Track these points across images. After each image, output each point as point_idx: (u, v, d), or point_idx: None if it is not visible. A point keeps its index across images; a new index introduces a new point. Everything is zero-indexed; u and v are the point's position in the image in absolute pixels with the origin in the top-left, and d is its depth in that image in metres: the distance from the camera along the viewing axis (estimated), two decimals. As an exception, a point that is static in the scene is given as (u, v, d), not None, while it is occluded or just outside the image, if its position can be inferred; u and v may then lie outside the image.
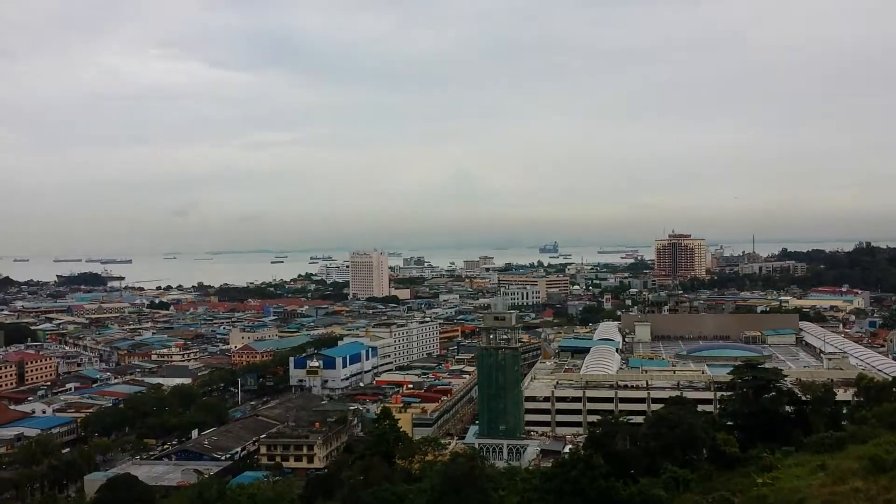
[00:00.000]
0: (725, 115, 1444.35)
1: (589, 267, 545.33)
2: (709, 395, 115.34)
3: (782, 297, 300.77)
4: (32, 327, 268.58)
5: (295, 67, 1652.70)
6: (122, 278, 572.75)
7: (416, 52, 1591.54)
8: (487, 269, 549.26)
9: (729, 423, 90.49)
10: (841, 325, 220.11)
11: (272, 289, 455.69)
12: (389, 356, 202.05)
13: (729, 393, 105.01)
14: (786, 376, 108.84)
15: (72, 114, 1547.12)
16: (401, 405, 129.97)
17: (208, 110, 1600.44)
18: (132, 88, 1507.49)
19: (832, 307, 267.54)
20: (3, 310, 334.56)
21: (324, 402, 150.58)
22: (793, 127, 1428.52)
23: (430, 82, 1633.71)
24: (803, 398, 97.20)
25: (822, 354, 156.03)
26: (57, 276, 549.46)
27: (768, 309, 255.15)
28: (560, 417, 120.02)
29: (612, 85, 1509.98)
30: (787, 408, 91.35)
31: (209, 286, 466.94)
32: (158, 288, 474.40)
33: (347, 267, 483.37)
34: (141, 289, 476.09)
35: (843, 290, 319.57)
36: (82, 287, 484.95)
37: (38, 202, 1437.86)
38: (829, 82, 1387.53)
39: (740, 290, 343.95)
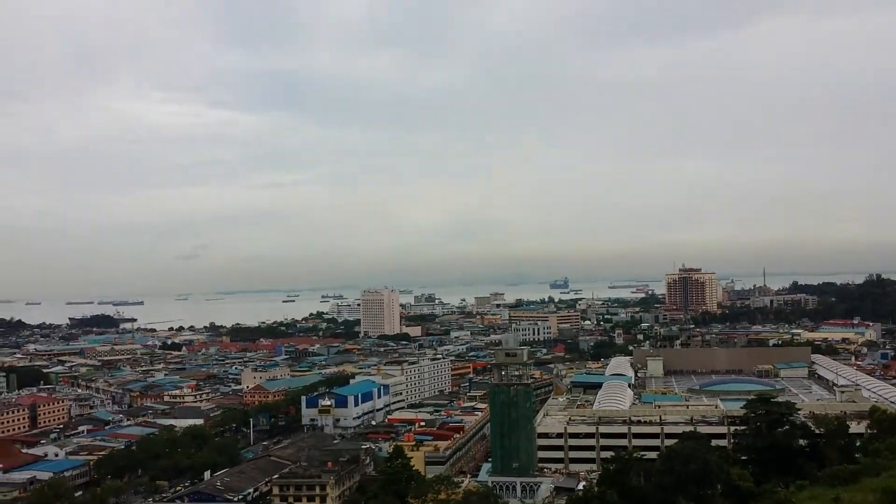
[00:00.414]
0: (736, 149, 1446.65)
1: (600, 302, 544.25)
2: (722, 429, 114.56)
3: (794, 331, 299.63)
4: (45, 370, 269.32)
5: (302, 107, 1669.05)
6: (134, 320, 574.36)
7: (423, 91, 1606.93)
8: (498, 306, 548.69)
9: (743, 457, 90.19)
10: (853, 358, 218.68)
11: (284, 328, 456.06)
12: (401, 394, 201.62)
13: (742, 427, 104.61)
14: (799, 410, 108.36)
15: (82, 157, 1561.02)
16: (413, 443, 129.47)
17: (216, 152, 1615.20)
18: (140, 131, 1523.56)
19: (844, 339, 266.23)
20: (15, 353, 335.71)
21: (336, 442, 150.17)
22: (802, 160, 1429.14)
23: (438, 120, 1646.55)
24: (817, 431, 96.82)
25: (834, 387, 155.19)
26: (69, 318, 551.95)
27: (780, 342, 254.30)
28: (573, 454, 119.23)
29: (621, 120, 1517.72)
30: (801, 441, 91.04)
31: (221, 326, 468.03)
32: (170, 329, 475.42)
33: (359, 305, 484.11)
34: (153, 330, 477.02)
35: (855, 322, 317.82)
36: (94, 329, 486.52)
37: (50, 246, 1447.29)
38: (839, 115, 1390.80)
39: (752, 324, 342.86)
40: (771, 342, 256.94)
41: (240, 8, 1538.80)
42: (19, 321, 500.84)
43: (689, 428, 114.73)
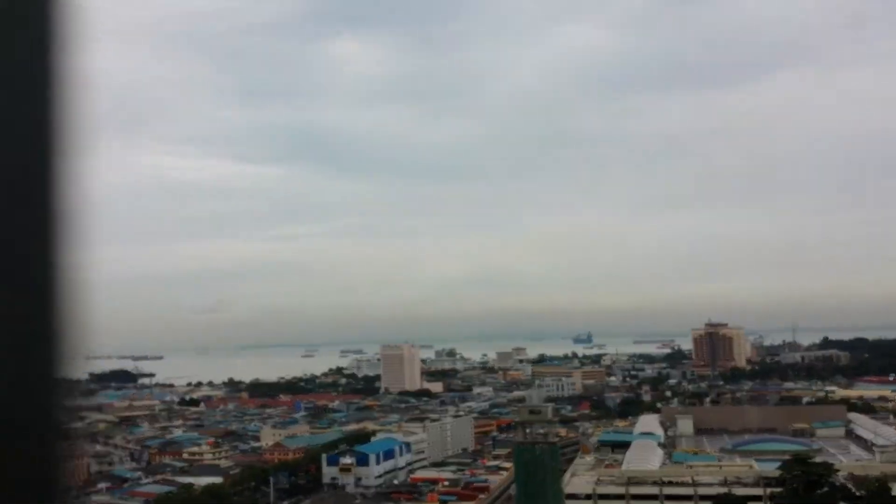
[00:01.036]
0: (763, 203, 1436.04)
1: (625, 357, 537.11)
2: (758, 491, 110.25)
3: (828, 388, 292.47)
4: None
5: (324, 160, 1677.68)
6: (152, 375, 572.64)
7: (443, 145, 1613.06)
8: (521, 361, 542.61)
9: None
10: (891, 416, 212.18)
11: (303, 384, 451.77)
12: (423, 452, 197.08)
13: (779, 489, 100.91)
14: (837, 471, 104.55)
15: (104, 211, 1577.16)
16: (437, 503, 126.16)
17: (239, 204, 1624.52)
18: (163, 185, 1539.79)
19: (880, 397, 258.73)
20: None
21: (357, 501, 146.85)
22: (831, 211, 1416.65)
23: (458, 173, 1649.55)
24: (857, 493, 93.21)
25: (873, 447, 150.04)
26: (88, 373, 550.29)
27: (814, 400, 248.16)
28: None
29: (645, 173, 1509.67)
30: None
31: (240, 382, 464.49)
32: (189, 384, 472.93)
33: (378, 360, 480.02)
34: (171, 385, 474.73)
35: (891, 378, 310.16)
36: (113, 384, 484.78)
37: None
38: (872, 164, 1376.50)
39: (783, 381, 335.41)
40: (804, 400, 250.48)
41: (260, 64, 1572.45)
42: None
43: (724, 490, 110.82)
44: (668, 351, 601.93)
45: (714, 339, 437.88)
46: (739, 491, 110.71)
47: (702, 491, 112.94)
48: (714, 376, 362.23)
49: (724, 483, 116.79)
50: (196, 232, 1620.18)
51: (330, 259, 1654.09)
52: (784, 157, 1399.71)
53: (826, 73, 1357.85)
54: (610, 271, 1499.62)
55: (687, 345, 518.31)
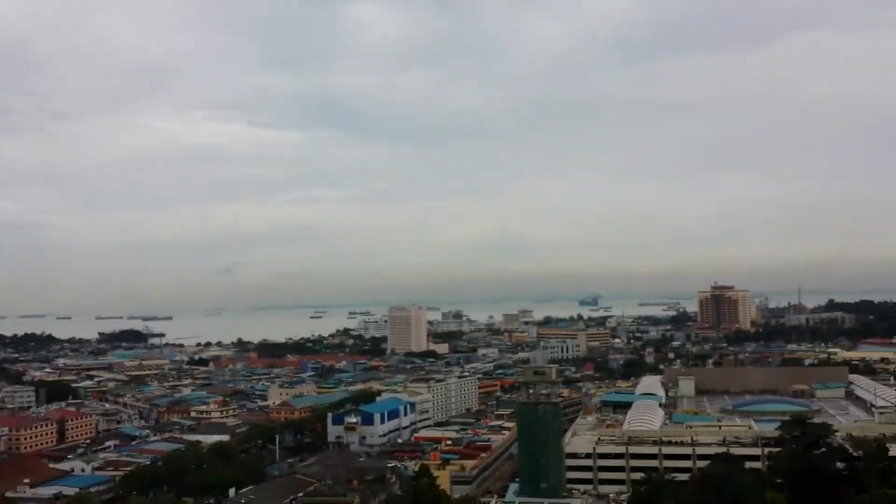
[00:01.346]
0: (770, 167, 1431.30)
1: (630, 320, 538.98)
2: (756, 451, 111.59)
3: (831, 350, 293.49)
4: (73, 385, 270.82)
5: (340, 125, 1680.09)
6: (162, 335, 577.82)
7: (459, 110, 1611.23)
8: (526, 323, 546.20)
9: (778, 480, 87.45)
10: (892, 378, 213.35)
11: (310, 344, 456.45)
12: (428, 412, 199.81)
13: (777, 449, 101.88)
14: (836, 431, 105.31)
15: (120, 174, 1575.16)
16: (439, 462, 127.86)
17: (253, 169, 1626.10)
18: (180, 150, 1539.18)
19: (883, 359, 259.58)
20: (45, 367, 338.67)
21: (362, 459, 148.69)
22: (837, 176, 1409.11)
23: (472, 139, 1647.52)
24: (855, 454, 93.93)
25: (873, 408, 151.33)
26: (99, 333, 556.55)
27: (816, 362, 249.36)
28: (602, 475, 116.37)
29: (654, 138, 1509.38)
30: (839, 464, 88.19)
31: (248, 342, 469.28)
32: (198, 344, 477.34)
33: (386, 322, 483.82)
34: (181, 345, 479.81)
35: (894, 341, 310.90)
36: (123, 344, 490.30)
37: (82, 262, 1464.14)
38: (877, 129, 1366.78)
39: (787, 343, 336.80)
40: (807, 362, 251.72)
41: (278, 30, 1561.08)
42: (49, 336, 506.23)
43: (722, 449, 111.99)
44: (673, 313, 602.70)
45: (719, 302, 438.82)
46: (738, 451, 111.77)
47: (700, 451, 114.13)
48: (718, 338, 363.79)
49: (723, 443, 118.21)
50: (215, 196, 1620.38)
51: (345, 223, 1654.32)
52: (792, 121, 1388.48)
53: (841, 36, 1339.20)
54: (618, 235, 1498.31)
55: (692, 307, 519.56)
